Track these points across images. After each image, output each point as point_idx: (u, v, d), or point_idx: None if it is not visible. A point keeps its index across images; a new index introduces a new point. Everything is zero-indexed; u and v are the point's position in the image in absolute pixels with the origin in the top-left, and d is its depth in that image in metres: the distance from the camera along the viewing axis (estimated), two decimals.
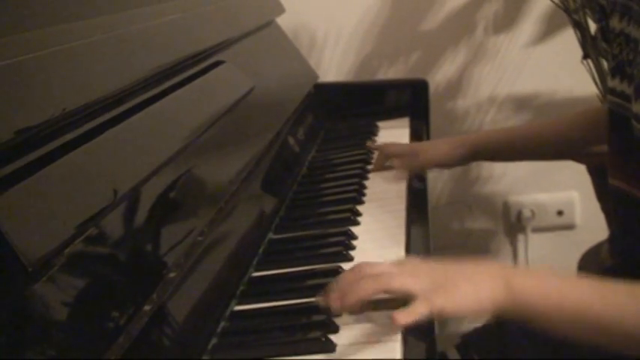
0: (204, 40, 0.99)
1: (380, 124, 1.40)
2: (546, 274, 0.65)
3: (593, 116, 0.97)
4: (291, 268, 0.79)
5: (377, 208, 0.96)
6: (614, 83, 0.80)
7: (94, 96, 0.65)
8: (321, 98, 1.44)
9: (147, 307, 0.59)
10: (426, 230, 0.86)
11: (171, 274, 0.64)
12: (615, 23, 0.81)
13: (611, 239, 0.92)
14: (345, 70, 1.65)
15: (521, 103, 1.67)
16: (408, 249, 0.81)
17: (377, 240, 0.85)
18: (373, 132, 1.34)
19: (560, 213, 1.72)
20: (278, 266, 0.81)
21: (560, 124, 1.04)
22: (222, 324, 0.70)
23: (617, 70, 0.79)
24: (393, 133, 1.34)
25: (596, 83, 1.32)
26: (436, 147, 1.07)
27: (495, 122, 1.68)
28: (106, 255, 0.59)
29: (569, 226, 1.72)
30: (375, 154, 1.14)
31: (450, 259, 0.67)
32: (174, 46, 0.89)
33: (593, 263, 1.34)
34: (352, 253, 0.81)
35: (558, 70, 1.60)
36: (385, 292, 0.63)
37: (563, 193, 1.71)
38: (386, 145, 1.14)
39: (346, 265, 0.76)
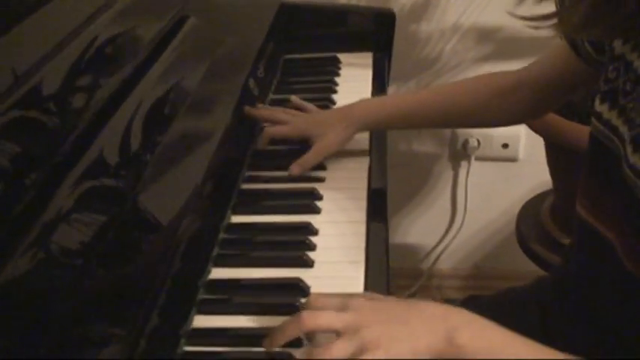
0: None
1: (342, 57, 1.36)
2: (502, 338, 0.64)
3: (482, 83, 0.99)
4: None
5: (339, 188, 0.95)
6: (601, 108, 0.74)
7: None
8: (281, 20, 1.37)
9: None
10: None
11: None
12: (616, 43, 0.74)
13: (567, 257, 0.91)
14: None
15: (484, 35, 1.63)
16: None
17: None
18: (335, 70, 1.30)
19: (505, 146, 1.74)
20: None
21: (447, 92, 1.02)
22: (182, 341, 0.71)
23: (609, 97, 0.74)
24: (355, 72, 1.31)
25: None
26: (328, 131, 0.98)
27: (456, 52, 1.65)
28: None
29: (512, 159, 1.76)
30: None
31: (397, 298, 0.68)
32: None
33: (531, 217, 1.39)
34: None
35: None
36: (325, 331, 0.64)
37: (510, 127, 1.72)
38: (270, 115, 1.05)
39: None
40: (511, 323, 0.89)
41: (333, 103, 1.18)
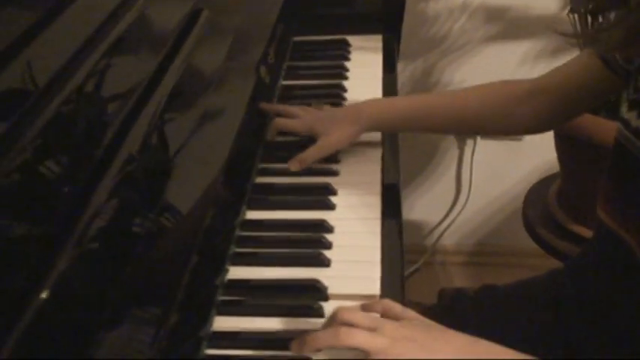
0: None
1: (351, 39, 1.35)
2: None
3: (497, 89, 0.97)
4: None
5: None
6: (629, 116, 0.74)
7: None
8: (291, 2, 1.35)
9: None
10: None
11: None
12: None
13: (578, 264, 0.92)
14: None
15: (493, 14, 1.62)
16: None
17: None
18: (345, 55, 1.30)
19: None
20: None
21: (460, 97, 1.00)
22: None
23: (637, 105, 0.74)
24: (365, 57, 1.30)
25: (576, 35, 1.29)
26: (335, 129, 0.98)
27: (464, 31, 1.64)
28: None
29: (517, 138, 1.76)
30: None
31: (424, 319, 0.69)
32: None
33: (538, 202, 1.40)
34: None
35: None
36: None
37: None
38: (279, 117, 1.05)
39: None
40: (525, 317, 0.91)
41: (344, 90, 1.18)
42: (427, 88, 1.72)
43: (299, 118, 1.02)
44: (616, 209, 0.77)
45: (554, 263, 1.41)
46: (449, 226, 1.90)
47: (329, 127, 0.99)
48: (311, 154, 0.97)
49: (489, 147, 1.78)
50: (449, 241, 1.93)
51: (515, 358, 0.65)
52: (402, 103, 1.02)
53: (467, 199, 1.85)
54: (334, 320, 0.68)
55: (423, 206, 1.90)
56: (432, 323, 0.70)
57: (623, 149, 0.75)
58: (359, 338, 0.65)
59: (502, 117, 0.96)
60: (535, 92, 0.94)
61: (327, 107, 1.07)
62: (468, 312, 0.94)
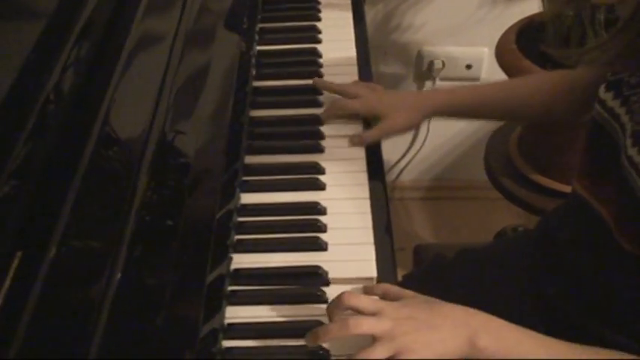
0: None
1: None
2: (517, 336, 0.72)
3: (558, 82, 1.02)
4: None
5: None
6: (606, 96, 0.80)
7: None
8: None
9: None
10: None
11: None
12: None
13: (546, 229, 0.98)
14: None
15: None
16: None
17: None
18: (315, 15, 1.30)
19: (468, 67, 1.79)
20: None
21: (512, 89, 1.07)
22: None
23: (615, 86, 0.80)
24: (336, 15, 1.31)
25: None
26: (398, 114, 1.03)
27: None
28: None
29: (474, 79, 1.82)
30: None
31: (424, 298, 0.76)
32: None
33: (499, 150, 1.47)
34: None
35: None
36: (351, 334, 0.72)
37: (475, 48, 1.77)
38: (341, 89, 1.07)
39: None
40: (502, 280, 0.98)
41: (319, 55, 1.19)
42: (388, 32, 1.74)
43: (360, 98, 1.05)
44: (591, 183, 0.84)
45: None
46: (408, 163, 1.97)
47: (394, 112, 1.03)
48: (373, 134, 1.03)
49: (447, 86, 1.83)
50: (407, 177, 2.00)
51: (501, 325, 0.72)
52: (460, 93, 1.07)
53: (425, 138, 1.91)
54: (340, 304, 0.74)
55: (383, 145, 1.94)
56: (429, 299, 0.76)
57: (598, 127, 0.81)
58: (366, 326, 0.71)
59: (549, 108, 1.02)
60: (572, 85, 0.99)
61: (380, 87, 1.10)
62: (448, 279, 1.01)
